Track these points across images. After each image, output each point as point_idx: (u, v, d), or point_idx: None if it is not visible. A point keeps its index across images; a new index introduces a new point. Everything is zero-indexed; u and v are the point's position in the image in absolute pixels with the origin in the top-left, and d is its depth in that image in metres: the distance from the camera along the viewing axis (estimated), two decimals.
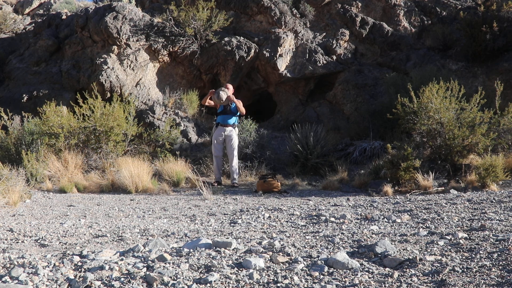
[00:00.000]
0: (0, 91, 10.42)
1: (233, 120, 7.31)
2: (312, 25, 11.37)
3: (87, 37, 10.23)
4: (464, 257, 2.46)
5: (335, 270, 2.35)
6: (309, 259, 2.55)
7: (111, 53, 9.83)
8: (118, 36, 9.77)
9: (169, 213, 4.67)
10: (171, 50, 10.22)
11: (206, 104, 7.45)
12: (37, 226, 3.83)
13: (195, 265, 2.42)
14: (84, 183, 6.76)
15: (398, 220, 3.71)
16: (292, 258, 2.57)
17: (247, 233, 3.37)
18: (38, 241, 3.23)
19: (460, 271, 2.23)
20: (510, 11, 9.65)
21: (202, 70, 10.51)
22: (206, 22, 10.13)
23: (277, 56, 10.27)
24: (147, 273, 2.26)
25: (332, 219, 3.86)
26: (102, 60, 9.68)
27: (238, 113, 7.40)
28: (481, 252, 2.52)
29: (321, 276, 2.26)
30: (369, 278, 2.23)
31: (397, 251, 2.62)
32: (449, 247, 2.69)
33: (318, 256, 2.58)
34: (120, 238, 3.33)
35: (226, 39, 10.33)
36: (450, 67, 9.76)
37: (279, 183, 6.56)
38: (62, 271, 2.34)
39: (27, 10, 16.47)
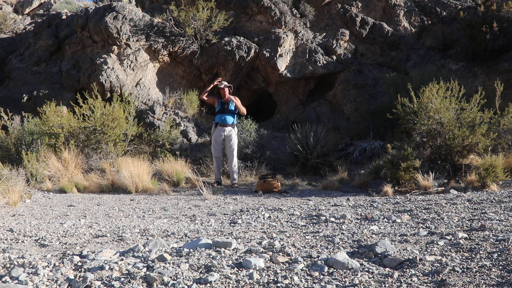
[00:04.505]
0: (0, 91, 10.42)
1: (232, 119, 7.30)
2: (312, 25, 11.37)
3: (87, 37, 10.23)
4: (464, 257, 2.46)
5: (335, 270, 2.35)
6: (309, 259, 2.55)
7: (111, 53, 9.83)
8: (118, 36, 9.77)
9: (169, 213, 4.67)
10: (171, 50, 10.22)
11: (204, 98, 7.42)
12: (37, 226, 3.83)
13: (195, 265, 2.42)
14: (84, 183, 6.76)
15: (398, 220, 3.71)
16: (292, 258, 2.57)
17: (247, 233, 3.37)
18: (38, 241, 3.23)
19: (460, 271, 2.23)
20: (510, 11, 9.65)
21: (202, 70, 10.51)
22: (206, 22, 10.13)
23: (277, 56, 10.28)
24: (147, 273, 2.26)
25: (332, 219, 3.86)
26: (102, 60, 9.68)
27: (237, 111, 7.38)
28: (481, 252, 2.52)
29: (321, 276, 2.26)
30: (369, 278, 2.23)
31: (397, 251, 2.62)
32: (449, 247, 2.68)
33: (318, 256, 2.58)
34: (120, 238, 3.33)
35: (226, 39, 10.33)
36: (450, 67, 9.76)
37: (279, 183, 6.56)
38: (62, 271, 2.33)
39: (27, 10, 16.47)
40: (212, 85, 7.48)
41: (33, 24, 13.87)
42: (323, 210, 4.47)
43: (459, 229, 3.21)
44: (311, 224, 3.72)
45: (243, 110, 7.39)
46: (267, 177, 6.59)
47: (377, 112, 8.88)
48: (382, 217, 3.88)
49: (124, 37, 9.83)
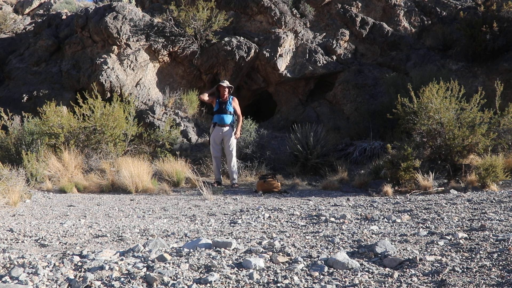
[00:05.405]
0: (0, 91, 10.42)
1: (230, 119, 7.28)
2: (312, 25, 11.37)
3: (87, 37, 10.23)
4: (464, 257, 2.46)
5: (335, 270, 2.35)
6: (309, 259, 2.55)
7: (111, 53, 9.83)
8: (118, 36, 9.77)
9: (169, 213, 4.67)
10: (171, 50, 10.22)
11: (204, 99, 7.35)
12: (37, 226, 3.83)
13: (195, 265, 2.42)
14: (84, 183, 6.76)
15: (398, 220, 3.71)
16: (292, 258, 2.57)
17: (247, 233, 3.37)
18: (38, 241, 3.23)
19: (460, 271, 2.23)
20: (510, 11, 9.65)
21: (202, 70, 10.51)
22: (206, 22, 10.13)
23: (277, 56, 10.28)
24: (147, 273, 2.26)
25: (332, 219, 3.86)
26: (102, 60, 9.69)
27: (234, 111, 7.36)
28: (481, 252, 2.52)
29: (321, 276, 2.26)
30: (369, 278, 2.23)
31: (397, 251, 2.62)
32: (449, 247, 2.68)
33: (318, 256, 2.58)
34: (120, 238, 3.33)
35: (226, 39, 10.33)
36: (450, 67, 9.76)
37: (279, 183, 6.56)
38: (62, 271, 2.33)
39: (27, 10, 16.47)
40: (213, 89, 7.44)
41: (33, 24, 13.87)
42: (323, 210, 4.47)
43: (459, 229, 3.21)
44: (311, 224, 3.72)
45: (240, 113, 7.40)
46: (267, 177, 6.59)
47: (377, 112, 8.88)
48: (382, 217, 3.88)
49: (124, 37, 9.83)
